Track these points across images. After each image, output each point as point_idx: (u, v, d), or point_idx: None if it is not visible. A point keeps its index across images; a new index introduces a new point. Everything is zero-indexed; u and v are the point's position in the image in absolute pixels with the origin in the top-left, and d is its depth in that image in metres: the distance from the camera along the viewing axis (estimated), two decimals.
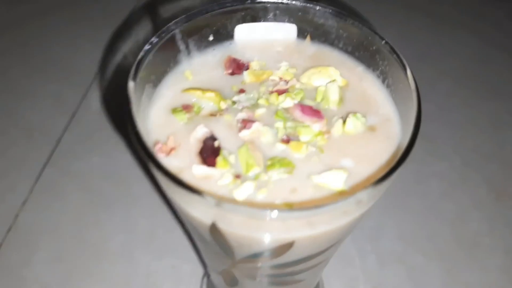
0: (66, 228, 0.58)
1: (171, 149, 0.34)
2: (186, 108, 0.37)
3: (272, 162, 0.34)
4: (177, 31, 0.38)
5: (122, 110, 0.32)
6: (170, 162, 0.34)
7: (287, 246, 0.32)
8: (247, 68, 0.41)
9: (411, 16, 0.86)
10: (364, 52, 0.40)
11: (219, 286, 0.47)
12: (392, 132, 0.36)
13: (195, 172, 0.33)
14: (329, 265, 0.46)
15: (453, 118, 0.71)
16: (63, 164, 0.64)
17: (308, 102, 0.38)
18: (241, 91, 0.39)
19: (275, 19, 0.42)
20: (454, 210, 0.61)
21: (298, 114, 0.37)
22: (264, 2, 0.41)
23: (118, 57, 0.75)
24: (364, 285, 0.54)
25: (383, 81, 0.39)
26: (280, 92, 0.39)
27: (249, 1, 0.41)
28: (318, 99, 0.38)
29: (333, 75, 0.40)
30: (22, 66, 0.75)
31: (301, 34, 0.43)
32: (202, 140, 0.35)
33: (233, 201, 0.31)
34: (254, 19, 0.42)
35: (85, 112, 0.69)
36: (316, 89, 0.39)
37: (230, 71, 0.41)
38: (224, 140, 0.35)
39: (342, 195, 0.32)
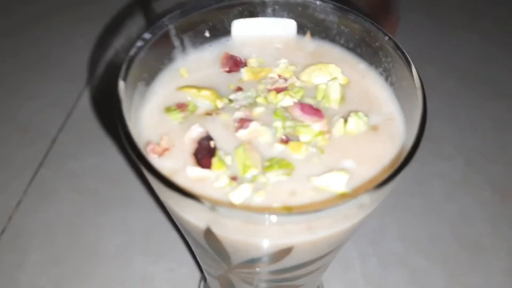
0: (61, 230, 0.57)
1: (165, 150, 0.33)
2: (181, 107, 0.36)
3: (270, 163, 0.32)
4: (171, 26, 0.37)
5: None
6: (163, 164, 0.32)
7: (286, 252, 0.31)
8: (245, 65, 0.39)
9: (413, 14, 0.84)
10: (367, 49, 0.39)
11: None
12: (395, 132, 0.35)
13: (189, 174, 0.32)
14: (329, 268, 0.44)
15: (456, 118, 0.70)
16: (58, 165, 0.63)
17: (308, 101, 0.37)
18: (239, 89, 0.38)
19: (274, 14, 0.41)
20: (457, 212, 0.60)
21: (297, 113, 0.35)
22: None
23: (113, 54, 0.74)
24: None
25: (386, 79, 0.38)
26: (279, 90, 0.37)
27: None
28: (319, 97, 0.37)
29: (334, 72, 0.38)
30: (15, 64, 0.74)
31: (301, 30, 0.41)
32: (197, 140, 0.33)
33: (228, 205, 0.30)
34: (252, 14, 0.41)
35: (81, 112, 0.68)
36: (316, 87, 0.37)
37: (227, 68, 0.39)
38: (220, 140, 0.34)
39: (343, 198, 0.31)
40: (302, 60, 0.40)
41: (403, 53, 0.35)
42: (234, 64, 0.39)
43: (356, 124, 0.34)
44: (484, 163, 0.65)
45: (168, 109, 0.36)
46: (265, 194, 0.31)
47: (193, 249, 0.39)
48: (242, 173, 0.32)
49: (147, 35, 0.35)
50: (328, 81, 0.37)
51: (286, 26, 0.41)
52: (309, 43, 0.41)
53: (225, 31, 0.41)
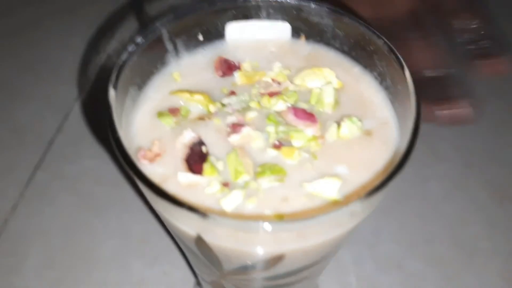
0: (57, 233, 0.57)
1: (156, 156, 0.33)
2: (173, 111, 0.35)
3: (263, 169, 0.32)
4: (164, 30, 0.37)
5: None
6: (154, 170, 0.32)
7: (278, 259, 0.30)
8: (239, 69, 0.39)
9: None
10: (361, 52, 0.38)
11: None
12: (389, 137, 0.34)
13: (180, 180, 0.31)
14: (324, 272, 0.44)
15: None
16: (54, 168, 0.62)
17: (302, 105, 0.36)
18: (232, 93, 0.37)
19: (268, 17, 0.40)
20: (454, 214, 0.59)
21: (290, 117, 0.35)
22: (257, 0, 0.39)
23: (110, 57, 0.73)
24: None
25: (381, 83, 0.37)
26: (273, 95, 0.37)
27: None
28: (312, 101, 0.36)
29: (328, 76, 0.38)
30: (10, 67, 0.73)
31: (295, 33, 0.41)
32: (189, 146, 0.33)
33: (219, 213, 0.29)
34: (246, 17, 0.40)
35: (77, 114, 0.68)
36: (310, 91, 0.37)
37: (220, 72, 0.39)
38: (213, 145, 0.33)
39: (335, 205, 0.30)
40: (297, 63, 0.40)
41: (397, 57, 0.34)
42: (228, 68, 0.39)
43: (350, 129, 0.34)
44: (482, 164, 0.64)
45: (160, 114, 0.35)
46: (257, 201, 0.30)
47: (186, 254, 0.39)
48: (234, 178, 0.31)
49: (139, 39, 0.35)
50: (322, 85, 0.37)
51: (281, 30, 0.41)
52: (304, 47, 0.41)
53: (219, 35, 0.40)
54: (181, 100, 0.37)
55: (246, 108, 0.36)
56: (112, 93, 0.31)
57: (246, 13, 0.40)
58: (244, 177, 0.31)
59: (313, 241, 0.29)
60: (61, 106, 0.68)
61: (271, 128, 0.34)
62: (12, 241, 0.56)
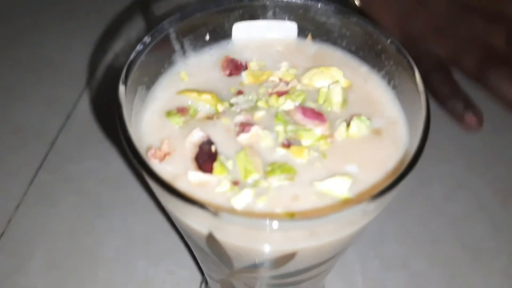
0: (60, 233, 0.57)
1: (165, 155, 0.33)
2: (181, 111, 0.35)
3: (272, 168, 0.32)
4: (171, 30, 0.37)
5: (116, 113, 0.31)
6: (164, 169, 0.32)
7: (289, 257, 0.31)
8: (246, 69, 0.39)
9: None
10: (369, 52, 0.38)
11: None
12: (398, 136, 0.35)
13: (190, 178, 0.31)
14: (330, 271, 0.44)
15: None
16: (57, 168, 0.62)
17: (310, 104, 0.36)
18: (239, 92, 0.37)
19: (275, 17, 0.40)
20: (459, 214, 0.59)
21: (299, 117, 0.35)
22: None
23: (113, 58, 0.73)
24: None
25: (389, 82, 0.37)
26: (280, 94, 0.37)
27: None
28: (320, 101, 0.36)
29: (335, 75, 0.38)
30: (14, 67, 0.73)
31: (302, 32, 0.41)
32: (198, 145, 0.33)
33: (231, 211, 0.29)
34: (253, 17, 0.40)
35: (80, 114, 0.68)
36: (318, 90, 0.37)
37: (227, 72, 0.39)
38: (221, 144, 0.33)
39: (346, 203, 0.30)
40: (303, 63, 0.40)
41: (405, 56, 0.34)
42: (235, 67, 0.39)
43: (359, 127, 0.34)
44: (485, 164, 0.64)
45: (169, 113, 0.35)
46: (267, 199, 0.30)
47: (194, 252, 0.39)
48: (243, 177, 0.31)
49: (147, 39, 0.35)
50: (330, 84, 0.37)
51: (287, 29, 0.41)
52: (310, 46, 0.41)
53: (226, 34, 0.40)
54: (189, 100, 0.37)
55: (254, 108, 0.36)
56: (122, 89, 0.31)
57: (252, 13, 0.40)
58: (254, 176, 0.31)
59: (325, 240, 0.29)
60: (64, 107, 0.68)
61: (279, 127, 0.34)
62: (16, 240, 0.56)
